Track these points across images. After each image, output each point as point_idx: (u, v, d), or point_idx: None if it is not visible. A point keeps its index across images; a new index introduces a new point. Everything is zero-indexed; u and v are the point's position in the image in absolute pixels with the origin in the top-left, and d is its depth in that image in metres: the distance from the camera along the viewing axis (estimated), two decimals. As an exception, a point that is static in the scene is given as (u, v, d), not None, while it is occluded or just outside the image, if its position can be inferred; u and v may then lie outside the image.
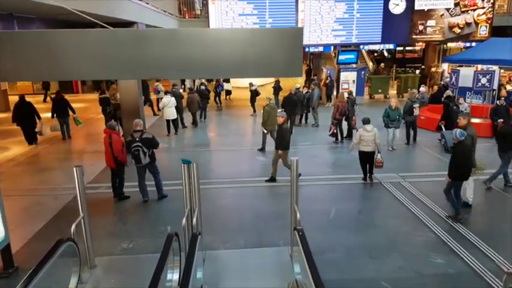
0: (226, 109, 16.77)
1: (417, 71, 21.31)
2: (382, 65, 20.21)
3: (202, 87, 14.69)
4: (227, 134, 12.70)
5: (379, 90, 18.39)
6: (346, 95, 11.47)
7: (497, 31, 16.58)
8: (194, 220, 4.33)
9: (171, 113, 12.03)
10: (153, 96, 16.06)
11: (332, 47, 17.57)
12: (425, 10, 16.50)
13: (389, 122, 10.00)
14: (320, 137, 11.57)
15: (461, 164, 6.03)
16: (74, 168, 4.47)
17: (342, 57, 16.99)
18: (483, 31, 16.74)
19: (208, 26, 15.31)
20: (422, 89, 14.02)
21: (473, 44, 16.79)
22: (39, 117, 11.12)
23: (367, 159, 7.90)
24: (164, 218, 6.48)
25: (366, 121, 7.91)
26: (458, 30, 16.79)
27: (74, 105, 12.43)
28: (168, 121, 12.16)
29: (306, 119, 13.62)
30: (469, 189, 6.59)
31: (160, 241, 4.04)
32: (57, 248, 3.73)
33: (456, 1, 16.37)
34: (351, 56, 17.08)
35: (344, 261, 5.18)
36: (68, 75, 3.71)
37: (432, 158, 9.71)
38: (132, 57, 3.38)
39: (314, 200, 7.06)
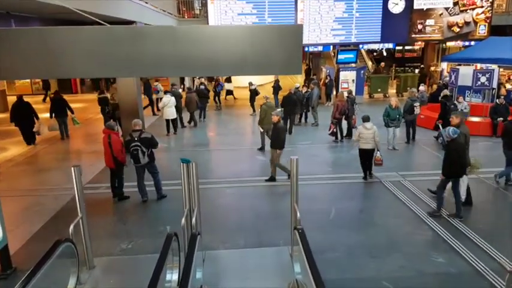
0: (225, 109, 16.74)
1: (416, 70, 21.32)
2: (383, 64, 20.21)
3: (202, 86, 14.65)
4: (227, 133, 12.67)
5: (379, 90, 18.37)
6: (345, 94, 11.46)
7: (496, 30, 16.58)
8: (193, 220, 4.30)
9: (171, 113, 11.99)
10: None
11: (331, 47, 17.55)
12: (424, 9, 16.49)
13: (389, 121, 9.98)
14: (320, 136, 11.54)
15: (454, 161, 6.08)
16: (72, 168, 4.43)
17: (341, 56, 16.97)
18: (482, 30, 16.74)
19: (207, 26, 15.28)
20: (422, 88, 14.02)
21: (472, 43, 16.79)
22: (37, 117, 11.08)
23: (366, 157, 7.92)
24: (163, 218, 6.45)
25: (366, 119, 7.92)
26: (457, 29, 16.79)
27: (72, 105, 12.40)
28: (167, 121, 12.12)
29: (306, 118, 13.60)
30: (463, 186, 6.59)
31: (159, 241, 4.01)
32: (55, 249, 3.70)
33: (455, 0, 16.36)
34: (350, 56, 17.05)
35: (345, 260, 5.15)
36: (65, 73, 3.67)
37: (432, 157, 9.69)
38: (129, 55, 3.34)
39: (314, 199, 7.03)
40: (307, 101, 13.09)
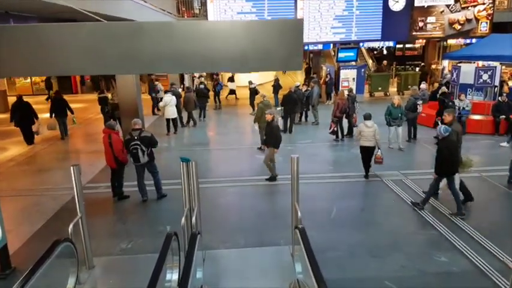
0: (225, 108, 16.69)
1: (417, 69, 21.23)
2: (385, 62, 20.13)
3: (202, 86, 14.61)
4: (226, 132, 12.64)
5: (379, 88, 18.29)
6: (346, 92, 11.40)
7: (497, 27, 16.49)
8: (193, 219, 4.27)
9: (172, 112, 11.95)
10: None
11: (331, 45, 17.48)
12: (425, 6, 16.41)
13: (391, 120, 9.90)
14: (320, 135, 11.49)
15: (446, 159, 6.09)
16: (71, 167, 4.40)
17: (341, 54, 16.88)
18: (483, 27, 16.65)
19: (207, 25, 15.22)
20: (423, 86, 13.94)
21: (474, 40, 16.70)
22: (37, 117, 11.06)
23: (367, 154, 7.93)
24: (163, 217, 6.42)
25: (367, 117, 7.94)
26: (459, 27, 16.70)
27: (73, 105, 12.37)
28: (168, 120, 12.09)
29: (306, 117, 13.55)
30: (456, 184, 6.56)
31: (159, 241, 3.97)
32: (54, 249, 3.67)
33: (456, -3, 16.29)
34: (351, 54, 16.97)
35: (346, 260, 5.11)
36: (62, 70, 3.62)
37: (433, 155, 9.56)
38: (126, 51, 3.29)
39: (315, 198, 6.99)
40: (308, 100, 13.04)
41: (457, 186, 6.39)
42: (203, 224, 4.91)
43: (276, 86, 15.93)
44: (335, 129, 10.79)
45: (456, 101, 11.20)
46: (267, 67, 3.56)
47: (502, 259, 4.88)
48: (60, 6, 4.92)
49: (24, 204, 7.10)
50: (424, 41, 19.53)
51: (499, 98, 11.18)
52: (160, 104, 12.39)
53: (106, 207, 7.06)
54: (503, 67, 13.82)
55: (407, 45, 23.89)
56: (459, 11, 16.49)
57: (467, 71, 12.24)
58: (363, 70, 17.12)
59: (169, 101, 11.79)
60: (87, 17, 5.15)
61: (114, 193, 7.24)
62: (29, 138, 11.07)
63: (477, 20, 16.58)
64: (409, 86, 15.86)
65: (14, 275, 4.82)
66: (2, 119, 14.35)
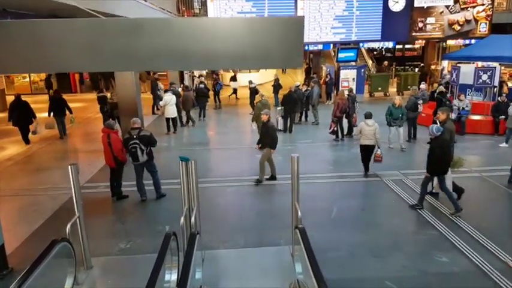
0: (225, 108, 16.66)
1: (416, 69, 21.24)
2: (386, 62, 20.12)
3: (202, 85, 14.57)
4: (226, 132, 12.61)
5: (379, 88, 18.30)
6: (346, 92, 11.39)
7: (496, 28, 16.50)
8: (193, 219, 4.23)
9: (172, 111, 11.92)
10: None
11: (331, 45, 17.47)
12: (425, 7, 16.40)
13: (391, 120, 9.88)
14: (320, 135, 11.47)
15: (438, 158, 6.09)
16: (69, 167, 4.36)
17: (341, 55, 16.88)
18: (483, 28, 16.65)
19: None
20: (423, 86, 13.93)
21: (473, 41, 16.71)
22: (35, 117, 11.01)
23: (367, 152, 7.97)
24: (162, 217, 6.39)
25: (368, 115, 7.99)
26: (458, 28, 16.70)
27: (72, 104, 12.31)
28: (168, 119, 12.05)
29: (306, 116, 13.53)
30: (448, 182, 6.54)
31: (158, 241, 3.93)
32: (51, 249, 3.63)
33: (456, -2, 16.30)
34: (351, 54, 16.96)
35: (347, 260, 5.08)
36: (59, 67, 3.57)
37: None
38: (125, 48, 3.24)
39: (315, 198, 6.96)
40: (308, 100, 13.02)
41: (450, 187, 6.39)
42: (202, 224, 4.87)
43: (276, 86, 15.91)
44: (335, 129, 10.77)
45: (456, 101, 11.20)
46: (267, 65, 3.52)
47: (503, 259, 4.86)
48: (59, 3, 4.88)
49: (21, 204, 7.06)
50: (424, 41, 19.54)
51: (499, 98, 11.19)
52: (161, 103, 12.35)
53: (105, 207, 7.01)
54: (503, 68, 13.81)
55: (407, 46, 23.91)
56: (458, 12, 16.49)
57: (467, 72, 12.23)
58: (362, 70, 17.12)
59: (169, 100, 11.76)
60: (86, 15, 5.11)
61: (113, 193, 7.19)
62: (27, 137, 11.02)
63: (476, 20, 16.59)
64: (409, 87, 15.85)
65: (11, 275, 4.77)
66: (0, 118, 14.30)
